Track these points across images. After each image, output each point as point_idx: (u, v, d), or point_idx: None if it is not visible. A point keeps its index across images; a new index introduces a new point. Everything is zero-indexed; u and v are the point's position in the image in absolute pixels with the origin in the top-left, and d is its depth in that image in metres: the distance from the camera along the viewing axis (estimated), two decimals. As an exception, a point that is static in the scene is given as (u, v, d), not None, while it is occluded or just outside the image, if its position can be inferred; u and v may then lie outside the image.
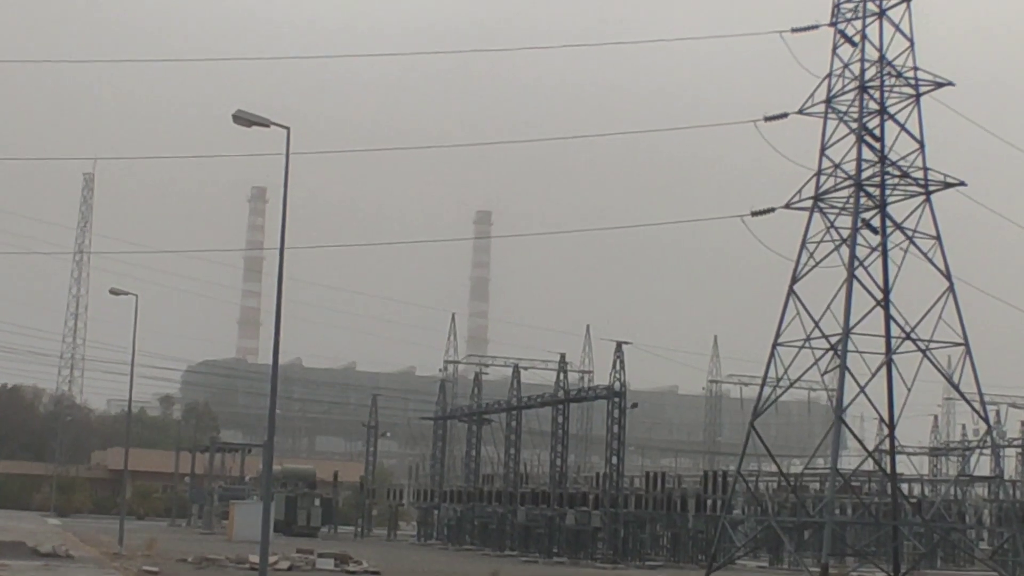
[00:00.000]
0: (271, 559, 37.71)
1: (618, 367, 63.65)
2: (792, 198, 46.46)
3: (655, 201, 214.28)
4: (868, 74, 46.02)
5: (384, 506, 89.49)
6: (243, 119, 30.71)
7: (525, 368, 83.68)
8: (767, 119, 47.27)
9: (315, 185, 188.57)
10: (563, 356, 76.32)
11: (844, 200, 46.02)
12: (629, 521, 62.53)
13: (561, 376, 73.68)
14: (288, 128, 30.36)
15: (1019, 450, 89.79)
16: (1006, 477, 75.86)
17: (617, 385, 62.39)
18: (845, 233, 45.46)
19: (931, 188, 45.46)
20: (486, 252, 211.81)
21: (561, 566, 56.77)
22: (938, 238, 45.05)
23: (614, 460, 61.11)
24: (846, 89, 46.27)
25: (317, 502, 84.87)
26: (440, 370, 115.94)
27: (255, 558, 38.77)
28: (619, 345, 64.59)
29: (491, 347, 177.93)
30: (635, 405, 65.17)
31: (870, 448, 54.93)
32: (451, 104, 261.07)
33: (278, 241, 30.89)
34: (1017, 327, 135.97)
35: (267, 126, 30.66)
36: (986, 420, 49.27)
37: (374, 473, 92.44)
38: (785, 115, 47.06)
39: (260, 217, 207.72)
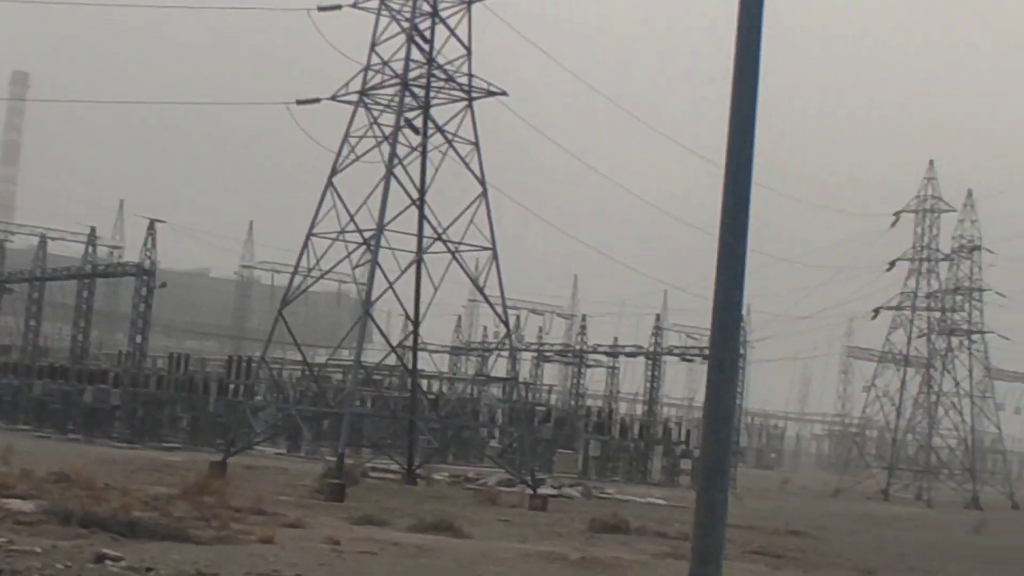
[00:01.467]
0: None
1: (149, 245, 62.12)
2: (339, 91, 46.32)
3: (203, 80, 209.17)
4: (423, -25, 46.32)
5: None
6: None
7: (53, 239, 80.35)
8: (320, 9, 46.86)
9: None
10: (93, 229, 73.78)
11: (389, 98, 46.35)
12: (149, 401, 61.47)
13: (90, 250, 71.14)
14: None
15: (535, 354, 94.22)
16: (520, 379, 79.46)
17: (147, 263, 60.89)
18: (388, 130, 45.81)
19: (474, 95, 46.46)
20: (20, 115, 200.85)
21: (75, 443, 55.07)
22: (476, 144, 46.15)
23: (138, 339, 59.79)
24: (401, -13, 46.41)
25: None
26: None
27: None
28: (152, 223, 63.02)
29: (18, 214, 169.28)
30: (164, 284, 63.84)
31: (394, 343, 56.12)
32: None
33: None
34: (543, 237, 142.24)
35: None
36: (506, 324, 51.24)
37: None
38: (339, 7, 46.76)
39: None
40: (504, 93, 46.87)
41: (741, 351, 78.61)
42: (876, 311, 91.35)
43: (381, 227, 44.15)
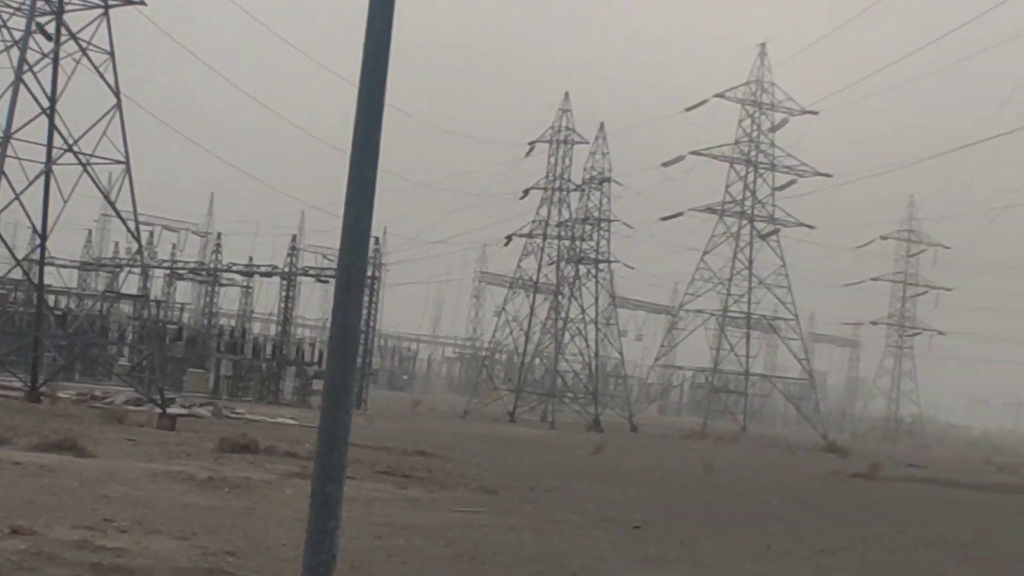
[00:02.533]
0: None
1: None
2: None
3: None
4: None
5: None
6: None
7: None
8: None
9: None
10: None
11: (21, 1, 44.19)
12: None
13: None
14: None
15: (167, 272, 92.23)
16: (152, 297, 77.63)
17: None
18: (18, 35, 43.71)
19: (111, 3, 44.82)
20: None
21: None
22: (112, 54, 44.62)
23: None
24: None
25: None
26: None
27: None
28: None
29: None
30: None
31: (20, 257, 53.81)
32: None
33: None
34: (180, 153, 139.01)
35: None
36: (138, 240, 49.96)
37: None
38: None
39: None
40: (143, 2, 45.43)
41: (377, 274, 79.29)
42: (509, 238, 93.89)
43: (7, 135, 42.23)
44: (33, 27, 43.85)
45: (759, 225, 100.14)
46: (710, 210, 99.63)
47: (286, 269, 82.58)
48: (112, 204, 49.90)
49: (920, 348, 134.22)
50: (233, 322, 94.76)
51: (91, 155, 44.41)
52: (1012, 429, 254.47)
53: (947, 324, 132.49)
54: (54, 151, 44.95)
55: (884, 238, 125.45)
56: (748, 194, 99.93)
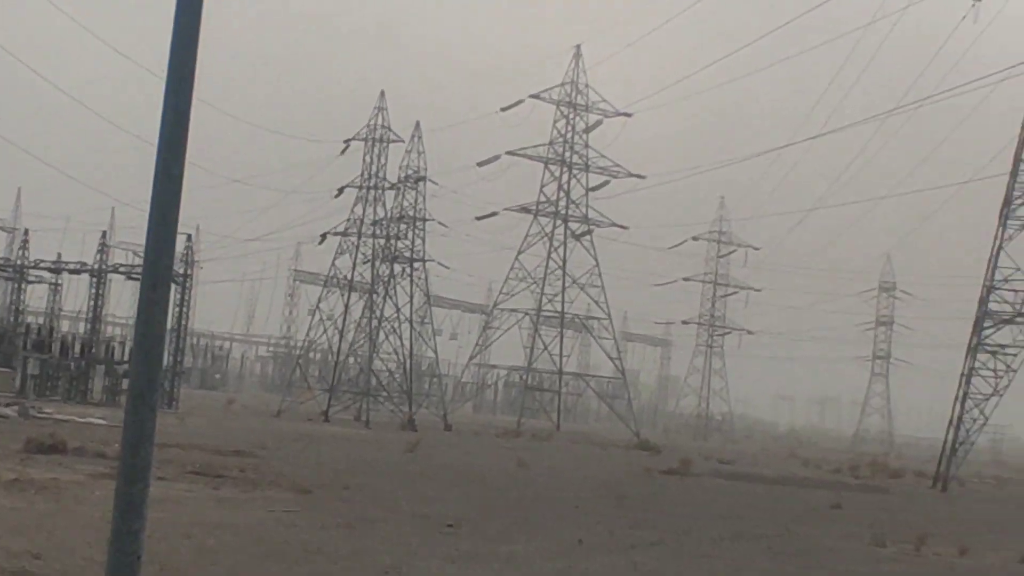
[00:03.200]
0: None
1: None
2: None
3: None
4: None
5: None
6: None
7: None
8: None
9: None
10: None
11: None
12: None
13: None
14: None
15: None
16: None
17: None
18: None
19: None
20: None
21: None
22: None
23: None
24: None
25: None
26: None
27: None
28: None
29: None
30: None
31: None
32: None
33: None
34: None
35: None
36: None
37: None
38: None
39: None
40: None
41: (189, 272, 77.96)
42: (323, 236, 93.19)
43: None
44: None
45: (573, 225, 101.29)
46: (525, 210, 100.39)
47: (95, 266, 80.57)
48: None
49: (730, 347, 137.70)
50: (41, 320, 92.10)
51: None
52: (816, 424, 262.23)
53: (756, 323, 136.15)
54: None
55: (696, 239, 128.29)
56: (562, 194, 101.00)
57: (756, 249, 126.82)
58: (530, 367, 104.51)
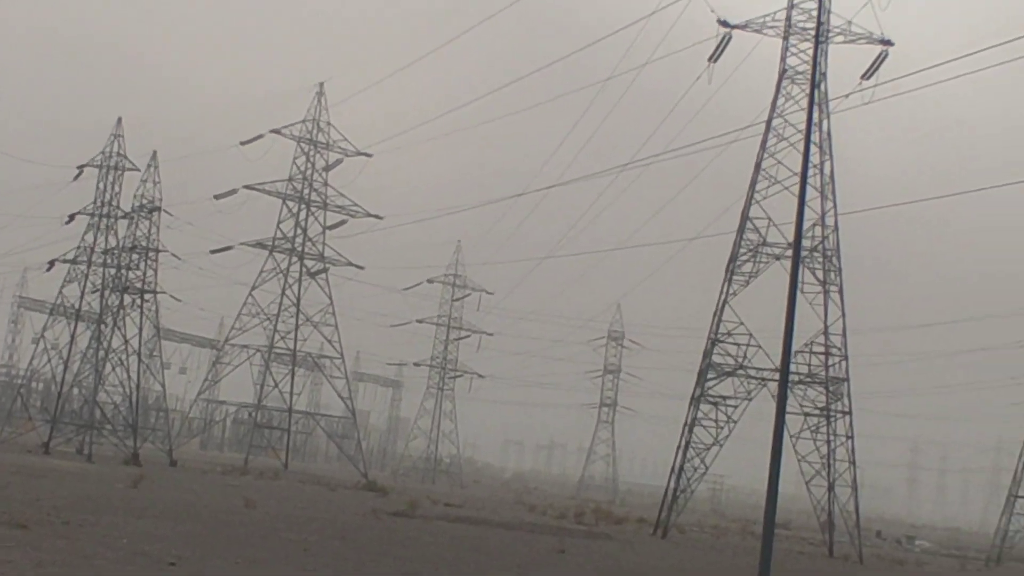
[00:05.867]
0: None
1: None
2: None
3: None
4: None
5: None
6: None
7: None
8: None
9: None
10: None
11: None
12: None
13: None
14: None
15: None
16: None
17: None
18: None
19: None
20: None
21: None
22: None
23: None
24: None
25: None
26: None
27: None
28: None
29: None
30: None
31: None
32: None
33: None
34: None
35: None
36: None
37: None
38: None
39: None
40: None
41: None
42: (52, 263, 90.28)
43: None
44: None
45: (309, 263, 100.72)
46: (260, 245, 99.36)
47: None
48: None
49: (461, 390, 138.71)
50: None
51: None
52: (543, 470, 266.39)
53: (487, 367, 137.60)
54: None
55: (431, 281, 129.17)
56: (299, 231, 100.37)
57: (490, 294, 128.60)
58: (260, 404, 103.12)
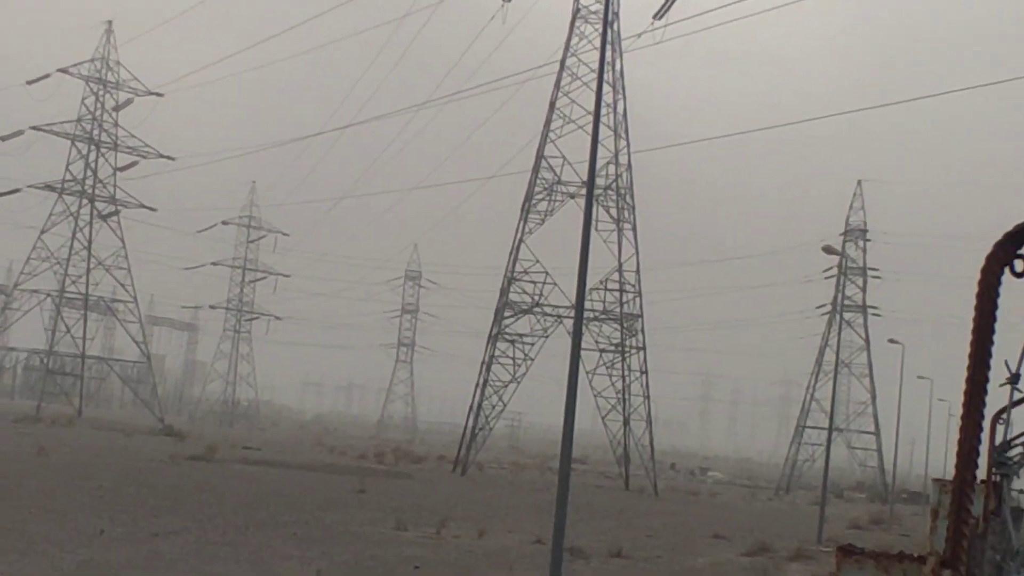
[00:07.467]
0: None
1: None
2: None
3: None
4: None
5: None
6: None
7: None
8: None
9: None
10: None
11: None
12: None
13: None
14: None
15: None
16: None
17: None
18: None
19: None
20: None
21: None
22: None
23: None
24: None
25: None
26: None
27: None
28: None
29: None
30: None
31: None
32: None
33: None
34: None
35: None
36: None
37: None
38: None
39: None
40: None
41: None
42: None
43: None
44: None
45: (100, 205, 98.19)
46: (49, 188, 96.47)
47: None
48: None
49: (258, 332, 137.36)
50: None
51: None
52: (343, 411, 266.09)
53: (284, 309, 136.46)
54: None
55: (225, 223, 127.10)
56: (90, 173, 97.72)
57: (286, 235, 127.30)
58: (51, 350, 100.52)
